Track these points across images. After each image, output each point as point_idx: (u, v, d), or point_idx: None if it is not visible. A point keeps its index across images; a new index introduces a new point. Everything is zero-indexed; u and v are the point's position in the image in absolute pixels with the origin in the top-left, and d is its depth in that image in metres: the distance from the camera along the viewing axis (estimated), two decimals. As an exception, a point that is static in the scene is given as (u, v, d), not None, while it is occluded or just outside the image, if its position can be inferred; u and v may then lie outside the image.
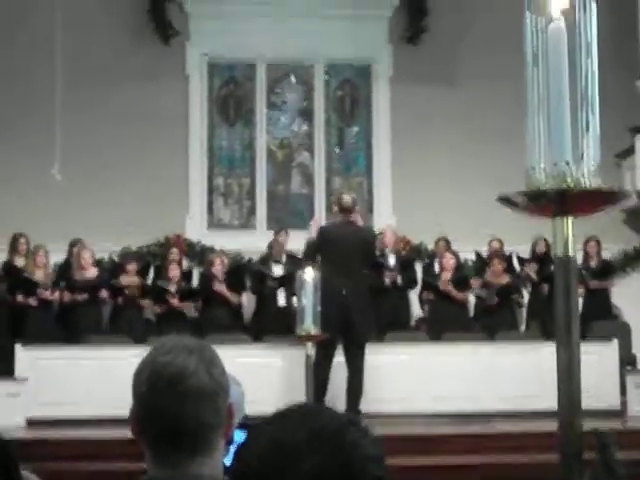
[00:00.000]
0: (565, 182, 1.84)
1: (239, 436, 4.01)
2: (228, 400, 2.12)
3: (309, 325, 5.67)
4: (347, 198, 11.33)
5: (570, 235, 1.89)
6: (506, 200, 1.90)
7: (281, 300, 12.46)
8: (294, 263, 12.08)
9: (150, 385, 2.05)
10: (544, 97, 1.91)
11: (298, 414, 1.59)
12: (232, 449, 3.53)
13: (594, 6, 1.91)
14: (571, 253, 1.89)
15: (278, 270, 12.59)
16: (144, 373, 2.08)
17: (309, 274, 5.83)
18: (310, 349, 5.82)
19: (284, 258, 12.74)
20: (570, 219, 1.88)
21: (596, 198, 1.87)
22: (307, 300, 5.69)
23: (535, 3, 1.90)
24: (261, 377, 11.07)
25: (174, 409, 2.03)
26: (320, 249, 10.65)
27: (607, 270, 13.38)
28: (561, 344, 1.87)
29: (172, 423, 2.04)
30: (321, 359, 10.08)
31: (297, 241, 12.21)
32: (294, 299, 11.67)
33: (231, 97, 15.01)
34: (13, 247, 12.60)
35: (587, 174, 1.84)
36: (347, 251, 10.38)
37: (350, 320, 10.23)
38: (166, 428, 2.04)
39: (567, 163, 1.84)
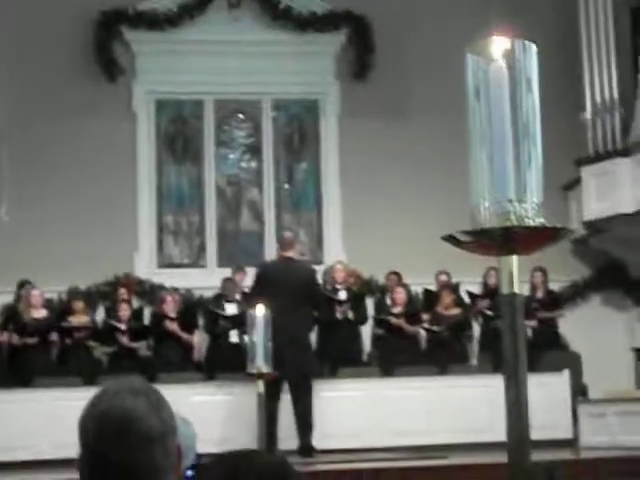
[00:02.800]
0: (508, 220, 1.86)
1: (190, 477, 3.99)
2: (177, 441, 2.10)
3: (260, 363, 5.64)
4: (287, 234, 11.43)
5: (515, 272, 1.91)
6: (452, 238, 1.91)
7: (233, 337, 12.40)
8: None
9: (97, 431, 2.01)
10: (486, 134, 1.93)
11: (243, 456, 1.63)
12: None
13: (534, 47, 1.94)
14: (516, 290, 1.90)
15: (231, 309, 12.52)
16: (90, 419, 2.04)
17: (259, 311, 5.80)
18: (261, 387, 5.78)
19: (238, 297, 12.67)
20: (515, 257, 1.90)
21: (540, 235, 1.89)
22: (258, 337, 5.67)
23: (477, 45, 1.93)
24: (214, 415, 11.04)
25: (124, 455, 1.99)
26: (261, 287, 10.64)
27: (555, 301, 13.49)
28: (509, 381, 1.88)
29: (122, 469, 2.00)
30: (269, 395, 10.04)
31: (250, 277, 12.20)
32: (246, 337, 11.66)
33: (179, 135, 14.99)
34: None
35: (530, 211, 1.86)
36: (287, 288, 10.37)
37: (293, 356, 10.19)
38: (116, 474, 2.01)
39: (510, 201, 1.86)
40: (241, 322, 11.98)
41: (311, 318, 11.42)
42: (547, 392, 11.46)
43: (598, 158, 13.74)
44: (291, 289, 10.41)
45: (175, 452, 2.08)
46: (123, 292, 13.13)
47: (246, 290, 12.10)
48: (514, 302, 1.88)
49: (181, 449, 2.13)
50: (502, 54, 1.89)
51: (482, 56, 1.90)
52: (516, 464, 1.85)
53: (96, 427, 2.01)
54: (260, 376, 5.69)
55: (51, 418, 10.88)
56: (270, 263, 11.36)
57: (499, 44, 1.90)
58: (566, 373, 11.89)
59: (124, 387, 2.06)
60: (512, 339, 1.88)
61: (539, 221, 1.86)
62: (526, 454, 1.83)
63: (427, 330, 12.75)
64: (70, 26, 14.12)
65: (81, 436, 2.04)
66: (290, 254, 10.90)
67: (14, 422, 10.86)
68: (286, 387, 10.60)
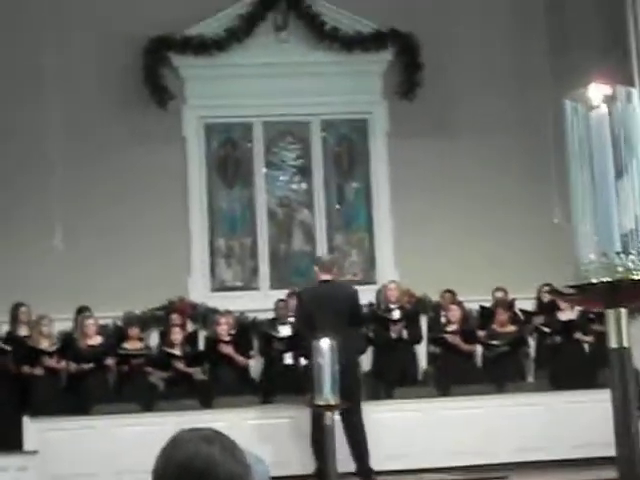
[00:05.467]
0: (616, 273, 1.82)
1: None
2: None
3: (328, 394, 5.61)
4: (324, 257, 11.42)
5: (624, 326, 1.87)
6: (555, 292, 1.87)
7: (288, 359, 12.39)
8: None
9: (179, 479, 2.02)
10: (588, 185, 1.89)
11: None
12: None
13: (635, 93, 1.90)
14: (625, 344, 1.86)
15: (285, 331, 12.51)
16: (169, 469, 2.04)
17: (325, 342, 5.78)
18: (329, 419, 5.76)
19: (292, 319, 12.65)
20: (623, 310, 1.86)
21: (647, 287, 1.85)
22: (325, 368, 5.65)
23: (575, 92, 1.89)
24: (270, 438, 11.02)
25: None
26: (303, 313, 10.61)
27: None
28: (619, 438, 1.84)
29: None
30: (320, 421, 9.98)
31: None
32: (301, 359, 11.64)
33: (229, 158, 15.03)
34: (14, 317, 12.55)
35: (637, 262, 1.82)
36: (328, 311, 10.32)
37: (343, 382, 10.00)
38: None
39: (617, 253, 1.82)
40: (295, 344, 12.00)
41: (359, 339, 11.32)
42: (605, 408, 11.32)
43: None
44: (333, 311, 10.34)
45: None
46: (176, 317, 13.16)
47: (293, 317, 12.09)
48: (623, 357, 1.85)
49: None
50: (603, 101, 1.85)
51: (582, 103, 1.86)
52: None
53: (178, 476, 2.01)
54: (328, 407, 5.65)
55: (110, 445, 10.93)
56: (310, 288, 11.30)
57: (599, 91, 1.85)
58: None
59: (196, 436, 2.07)
60: (622, 394, 1.84)
61: (646, 273, 1.82)
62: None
63: (486, 346, 12.63)
64: (119, 54, 14.22)
65: None
66: (328, 277, 10.84)
67: (72, 450, 10.91)
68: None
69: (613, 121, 1.86)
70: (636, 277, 1.82)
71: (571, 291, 1.88)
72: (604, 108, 1.87)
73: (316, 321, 10.09)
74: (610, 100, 1.87)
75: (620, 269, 1.82)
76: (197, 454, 2.03)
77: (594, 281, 1.83)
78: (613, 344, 1.88)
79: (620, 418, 1.79)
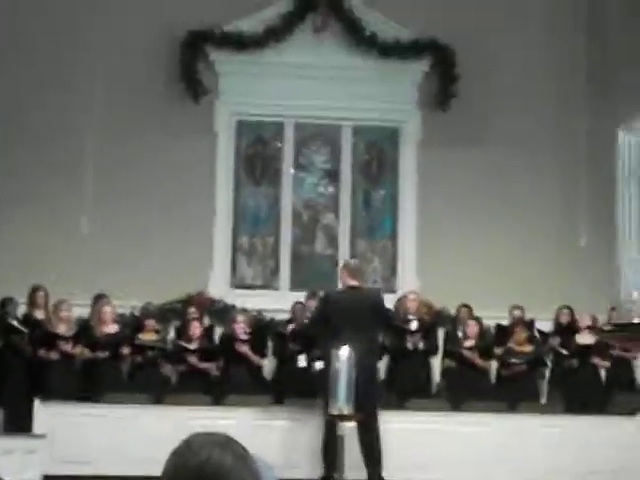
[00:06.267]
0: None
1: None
2: None
3: (342, 404, 5.58)
4: (353, 262, 11.38)
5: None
6: (598, 330, 1.84)
7: (302, 362, 12.35)
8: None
9: None
10: (636, 217, 1.85)
11: None
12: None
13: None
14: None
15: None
16: (181, 473, 2.01)
17: (344, 351, 5.75)
18: (343, 429, 5.73)
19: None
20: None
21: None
22: (341, 378, 5.61)
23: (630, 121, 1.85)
24: (280, 439, 11.00)
25: None
26: (323, 316, 10.57)
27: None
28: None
29: None
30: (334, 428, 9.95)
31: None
32: (316, 363, 11.62)
33: (258, 156, 15.04)
34: (31, 300, 12.57)
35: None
36: (353, 316, 10.28)
37: (360, 386, 9.93)
38: None
39: (660, 293, 1.78)
40: (309, 347, 12.00)
41: (379, 347, 11.32)
42: (618, 436, 11.27)
43: None
44: (358, 317, 10.31)
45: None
46: (193, 311, 13.17)
47: (308, 316, 12.07)
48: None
49: None
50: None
51: (635, 134, 1.82)
52: None
53: None
54: (342, 418, 5.63)
55: (118, 434, 10.94)
56: (335, 292, 11.27)
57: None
58: (639, 418, 11.65)
59: (208, 441, 2.05)
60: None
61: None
62: None
63: (504, 363, 12.57)
64: (157, 44, 14.23)
65: None
66: (355, 282, 10.81)
67: (81, 436, 10.91)
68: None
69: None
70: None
71: (611, 328, 1.84)
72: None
73: (338, 326, 10.03)
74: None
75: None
76: (209, 460, 2.00)
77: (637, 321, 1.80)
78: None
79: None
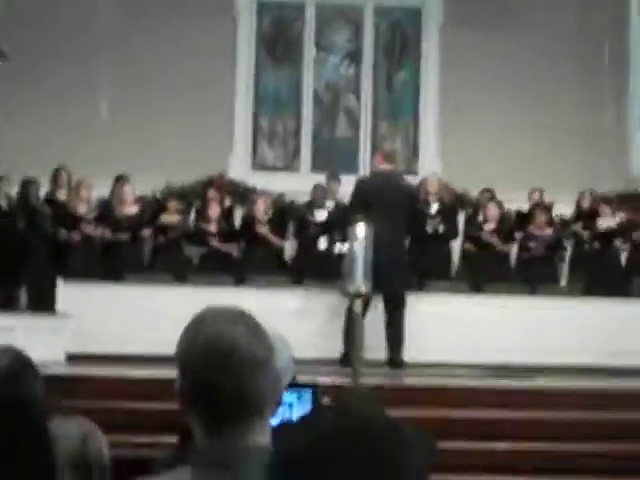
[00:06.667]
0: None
1: (288, 397, 4.02)
2: (275, 365, 2.12)
3: (359, 283, 5.61)
4: (388, 145, 11.29)
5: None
6: (602, 198, 1.82)
7: (322, 245, 12.38)
8: (340, 210, 12.04)
9: (203, 360, 2.02)
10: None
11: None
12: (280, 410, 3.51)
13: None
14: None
15: (321, 215, 12.49)
16: (193, 349, 2.04)
17: (361, 230, 5.75)
18: (358, 306, 5.76)
19: (329, 204, 12.62)
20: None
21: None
22: (358, 257, 5.63)
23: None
24: (302, 320, 11.11)
25: (233, 382, 2.01)
26: (360, 202, 10.54)
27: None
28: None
29: (232, 396, 2.01)
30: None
31: (345, 185, 12.16)
32: (336, 245, 11.67)
33: (279, 37, 14.88)
34: (54, 180, 12.59)
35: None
36: (387, 204, 10.26)
37: (389, 275, 9.98)
38: (226, 402, 2.02)
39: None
40: (330, 229, 12.02)
41: (407, 234, 11.32)
42: (637, 319, 11.31)
43: None
44: (391, 206, 10.30)
45: (276, 377, 2.10)
46: (213, 192, 13.18)
47: (344, 201, 12.01)
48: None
49: (279, 373, 2.15)
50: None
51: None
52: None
53: (201, 356, 2.02)
54: (358, 296, 5.66)
55: (141, 313, 11.07)
56: (370, 178, 11.22)
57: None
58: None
59: (221, 315, 2.07)
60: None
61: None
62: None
63: (522, 247, 12.58)
64: None
65: (183, 365, 2.05)
66: (389, 167, 10.77)
67: (105, 315, 11.05)
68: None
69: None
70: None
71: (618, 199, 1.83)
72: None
73: (371, 211, 9.98)
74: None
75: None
76: (221, 335, 2.03)
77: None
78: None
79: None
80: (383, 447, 1.59)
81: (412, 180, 12.82)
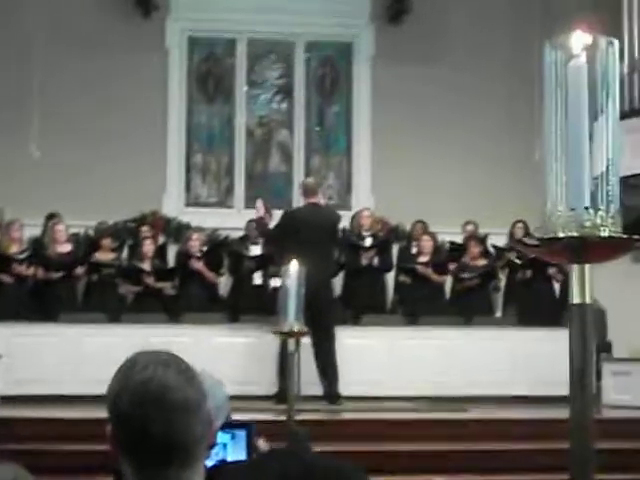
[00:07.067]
0: (583, 229, 1.78)
1: (222, 438, 3.99)
2: (208, 408, 2.10)
3: (292, 321, 5.61)
4: (310, 180, 11.36)
5: (588, 282, 1.84)
6: (521, 243, 1.84)
7: (257, 279, 12.38)
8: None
9: (133, 405, 1.99)
10: (563, 137, 1.85)
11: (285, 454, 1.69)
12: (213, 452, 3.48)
13: (616, 43, 1.86)
14: (588, 301, 1.84)
15: (256, 250, 12.50)
16: (124, 393, 2.01)
17: (293, 267, 5.76)
18: (292, 345, 5.76)
19: (262, 239, 12.61)
20: (587, 266, 1.83)
21: (616, 245, 1.81)
22: (291, 295, 5.63)
23: (555, 38, 1.84)
24: (236, 356, 11.08)
25: (163, 427, 1.99)
26: (286, 234, 10.54)
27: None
28: (575, 396, 1.82)
29: (161, 441, 1.99)
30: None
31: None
32: (270, 280, 11.67)
33: (211, 73, 14.89)
34: (-16, 221, 12.46)
35: (606, 219, 1.79)
36: (315, 235, 10.29)
37: (317, 306, 9.93)
38: (155, 447, 2.00)
39: (586, 208, 1.78)
40: (265, 264, 12.01)
41: (335, 265, 11.36)
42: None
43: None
44: (318, 234, 10.34)
45: (208, 419, 2.08)
46: (146, 229, 13.13)
47: (269, 229, 12.01)
48: (584, 313, 1.82)
49: (212, 415, 2.14)
50: (583, 50, 1.80)
51: (562, 50, 1.81)
52: None
53: (132, 400, 2.00)
54: (292, 334, 5.66)
55: (76, 354, 10.96)
56: (297, 210, 11.26)
57: (580, 39, 1.80)
58: (591, 330, 11.75)
59: (152, 359, 2.05)
60: (581, 351, 1.81)
61: (614, 230, 1.79)
62: (590, 470, 1.78)
63: (455, 277, 12.67)
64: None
65: (114, 409, 2.03)
66: (315, 200, 10.81)
67: (38, 356, 10.93)
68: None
69: (592, 69, 1.82)
70: (603, 234, 1.79)
71: (536, 243, 1.85)
72: (583, 57, 1.82)
73: (298, 242, 9.97)
74: (590, 49, 1.83)
75: (588, 224, 1.79)
76: (153, 378, 2.01)
77: (561, 235, 1.80)
78: (576, 299, 1.85)
79: (577, 373, 1.77)
80: None
81: (346, 214, 12.88)
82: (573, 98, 1.78)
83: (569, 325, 1.85)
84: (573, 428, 1.80)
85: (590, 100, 1.81)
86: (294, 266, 5.75)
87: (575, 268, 1.83)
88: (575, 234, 1.78)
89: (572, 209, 1.79)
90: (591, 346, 1.80)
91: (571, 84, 1.80)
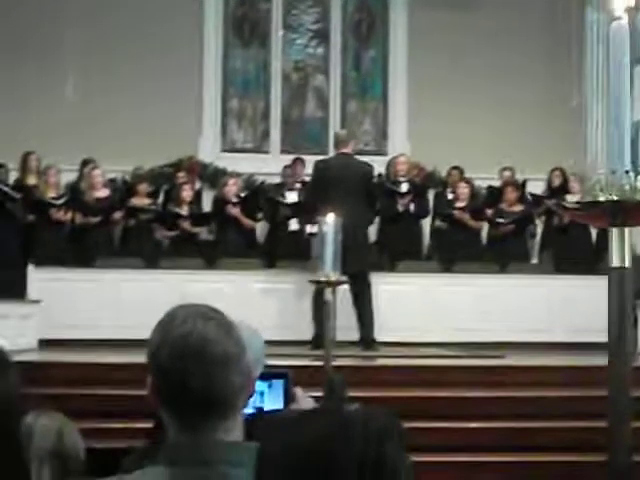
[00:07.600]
0: (623, 192, 1.77)
1: (260, 386, 4.02)
2: (246, 359, 2.11)
3: (329, 271, 5.62)
4: (342, 131, 11.31)
5: (627, 247, 1.83)
6: (562, 207, 1.83)
7: (293, 225, 12.40)
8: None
9: (173, 358, 2.02)
10: (604, 103, 1.84)
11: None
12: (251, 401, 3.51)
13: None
14: (627, 264, 1.83)
15: (292, 197, 12.49)
16: (164, 346, 2.04)
17: (330, 217, 5.76)
18: (329, 294, 5.78)
19: (298, 185, 12.63)
20: (627, 229, 1.82)
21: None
22: (328, 244, 5.64)
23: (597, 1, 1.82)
24: (272, 302, 11.13)
25: (202, 381, 2.01)
26: (319, 184, 10.54)
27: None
28: (613, 358, 1.82)
29: (201, 394, 2.02)
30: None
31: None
32: (307, 226, 11.68)
33: (246, 18, 14.81)
34: (24, 165, 12.50)
35: (646, 183, 1.77)
36: (346, 185, 10.27)
37: (353, 253, 9.85)
38: (194, 400, 2.03)
39: (626, 172, 1.77)
40: (301, 210, 12.01)
41: (370, 212, 11.31)
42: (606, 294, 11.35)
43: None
44: (349, 185, 10.30)
45: (247, 371, 2.09)
46: (183, 175, 13.14)
47: (306, 180, 12.02)
48: (623, 276, 1.81)
49: (251, 365, 2.16)
50: (625, 11, 1.77)
51: (604, 12, 1.79)
52: (616, 434, 1.81)
53: (172, 354, 2.02)
54: (329, 284, 5.67)
55: (111, 299, 11.05)
56: (327, 160, 11.22)
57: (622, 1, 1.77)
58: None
59: (192, 312, 2.07)
60: (618, 312, 1.81)
61: (654, 194, 1.77)
62: (628, 417, 1.79)
63: (491, 223, 12.61)
64: None
65: (154, 363, 2.05)
66: (346, 150, 10.77)
67: (75, 301, 11.02)
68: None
69: (634, 30, 1.79)
70: (643, 197, 1.77)
71: (576, 206, 1.84)
72: (625, 18, 1.80)
73: (331, 192, 9.99)
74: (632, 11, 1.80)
75: (627, 188, 1.78)
76: (193, 332, 2.03)
77: (601, 199, 1.79)
78: (615, 263, 1.84)
79: (615, 333, 1.77)
80: (377, 447, 1.61)
81: (382, 160, 12.85)
82: (615, 56, 1.75)
83: (608, 289, 1.85)
84: (611, 377, 1.80)
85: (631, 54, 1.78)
86: (331, 216, 5.75)
87: (614, 231, 1.82)
88: (615, 198, 1.77)
89: (613, 172, 1.78)
90: (628, 311, 1.80)
91: (613, 46, 1.77)
